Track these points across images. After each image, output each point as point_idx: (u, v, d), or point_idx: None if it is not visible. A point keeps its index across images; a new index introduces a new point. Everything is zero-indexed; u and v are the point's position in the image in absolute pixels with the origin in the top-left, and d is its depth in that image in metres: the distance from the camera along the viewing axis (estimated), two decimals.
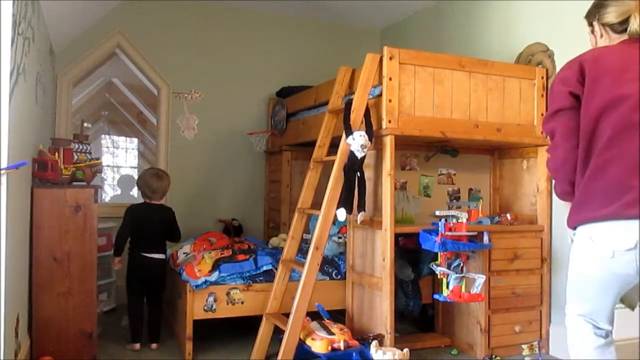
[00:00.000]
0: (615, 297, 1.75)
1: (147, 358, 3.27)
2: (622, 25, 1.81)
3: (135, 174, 8.74)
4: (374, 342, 2.86)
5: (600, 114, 1.70)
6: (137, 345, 3.36)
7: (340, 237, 3.67)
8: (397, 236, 3.23)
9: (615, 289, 1.72)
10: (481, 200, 3.71)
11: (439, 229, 2.94)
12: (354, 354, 2.88)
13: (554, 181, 1.88)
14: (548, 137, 1.85)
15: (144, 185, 3.50)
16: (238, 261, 3.31)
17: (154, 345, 3.39)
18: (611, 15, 1.82)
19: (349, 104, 3.08)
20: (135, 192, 5.08)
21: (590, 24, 1.92)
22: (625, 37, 1.82)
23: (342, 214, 2.94)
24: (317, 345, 2.91)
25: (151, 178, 3.50)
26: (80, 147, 3.20)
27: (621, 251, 1.62)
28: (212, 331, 3.58)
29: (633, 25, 1.78)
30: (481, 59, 3.40)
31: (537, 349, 3.15)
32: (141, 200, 3.57)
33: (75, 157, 3.10)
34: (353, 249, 3.43)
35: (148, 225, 3.42)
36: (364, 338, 3.05)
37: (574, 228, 1.81)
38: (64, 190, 2.87)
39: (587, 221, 1.72)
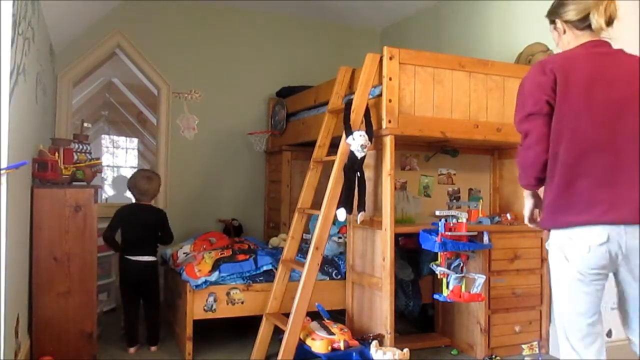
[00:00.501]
0: (596, 291, 1.84)
1: (147, 358, 3.27)
2: (582, 22, 1.91)
3: None
4: (374, 342, 2.86)
5: (569, 126, 1.82)
6: (133, 349, 3.35)
7: (340, 237, 3.66)
8: (397, 236, 3.23)
9: (593, 284, 1.83)
10: (481, 200, 3.71)
11: (439, 229, 2.94)
12: (354, 354, 2.88)
13: (519, 173, 2.01)
14: (521, 135, 1.95)
15: (134, 187, 3.51)
16: (238, 261, 3.31)
17: (153, 348, 3.39)
18: (571, 13, 1.92)
19: (349, 104, 3.08)
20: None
21: (553, 22, 2.02)
22: (587, 34, 1.92)
23: (342, 214, 2.94)
24: (317, 345, 2.91)
25: (141, 180, 3.51)
26: (80, 147, 3.20)
27: (595, 245, 1.78)
28: (212, 331, 3.57)
29: (594, 22, 1.88)
30: (481, 59, 3.40)
31: (537, 349, 3.14)
32: None
33: (75, 157, 3.10)
34: (353, 249, 3.43)
35: (136, 227, 3.42)
36: (364, 338, 3.04)
37: (549, 230, 1.95)
38: (64, 190, 2.87)
39: (564, 226, 1.86)
